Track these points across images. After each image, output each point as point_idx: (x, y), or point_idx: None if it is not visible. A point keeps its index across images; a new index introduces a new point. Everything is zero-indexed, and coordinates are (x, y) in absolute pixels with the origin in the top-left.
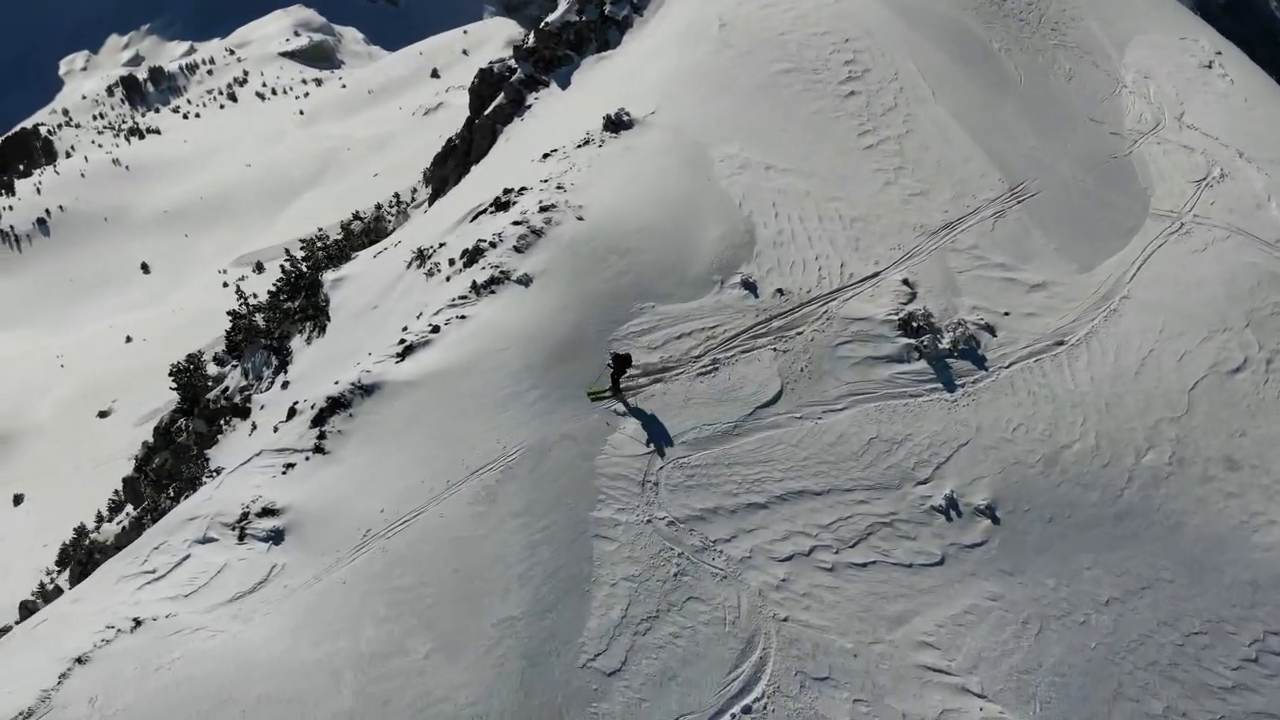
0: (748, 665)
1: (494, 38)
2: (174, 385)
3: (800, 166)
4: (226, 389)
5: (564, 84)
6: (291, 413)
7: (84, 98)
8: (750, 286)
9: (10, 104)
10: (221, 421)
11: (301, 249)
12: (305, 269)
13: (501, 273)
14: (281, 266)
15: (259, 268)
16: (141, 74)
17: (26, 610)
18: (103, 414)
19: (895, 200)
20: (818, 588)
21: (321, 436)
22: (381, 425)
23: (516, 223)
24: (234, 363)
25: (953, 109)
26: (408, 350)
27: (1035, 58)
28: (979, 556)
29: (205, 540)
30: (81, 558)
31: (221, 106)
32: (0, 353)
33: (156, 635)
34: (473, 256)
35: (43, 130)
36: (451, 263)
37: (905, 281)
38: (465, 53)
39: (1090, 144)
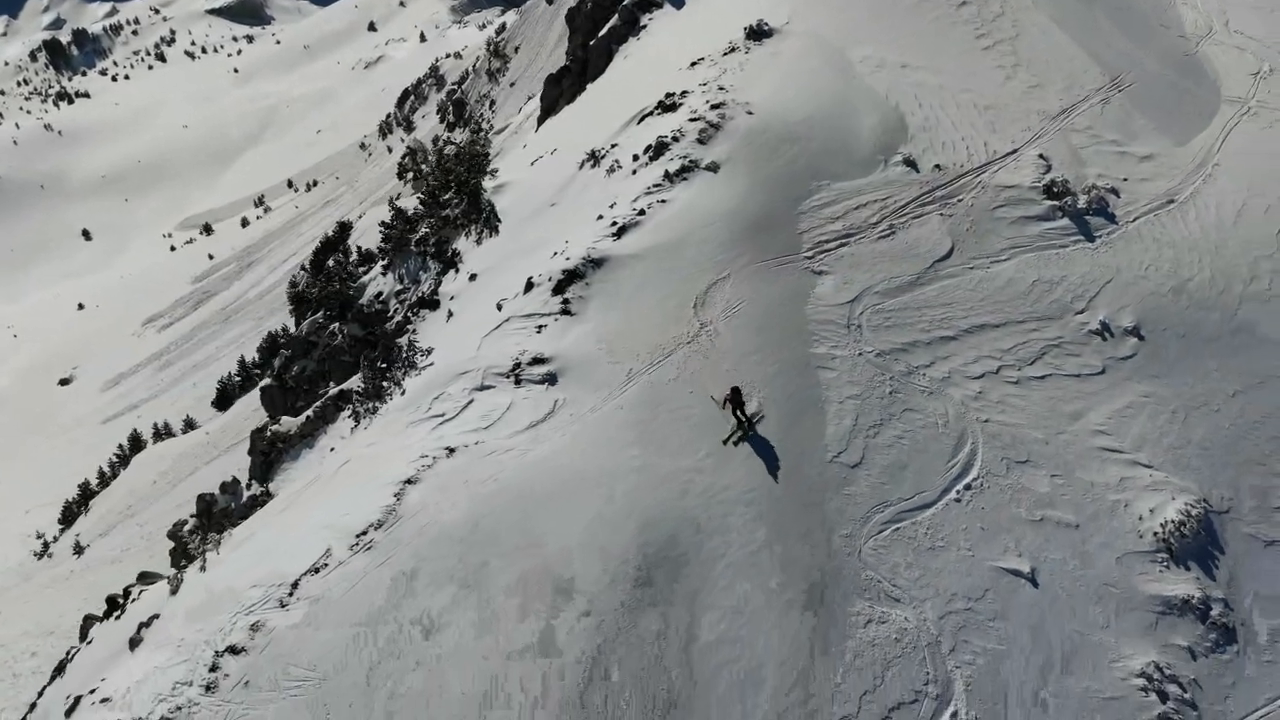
0: (962, 455)
1: None
2: (313, 299)
3: (930, 64)
4: (380, 294)
5: (678, 4)
6: (529, 286)
7: (6, 64)
8: (911, 164)
9: None
10: (397, 319)
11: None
12: (449, 181)
13: (691, 161)
14: (427, 181)
15: (207, 229)
16: (65, 37)
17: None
18: (64, 381)
19: (1017, 91)
20: (1008, 396)
21: (565, 302)
22: (615, 291)
23: (693, 119)
24: (381, 271)
25: (1051, 15)
26: (621, 230)
27: None
28: (1131, 366)
29: (483, 388)
30: (264, 448)
31: (150, 67)
32: None
33: (472, 458)
34: (658, 151)
35: None
36: (635, 158)
37: (1040, 156)
38: (402, 4)
39: (1165, 44)
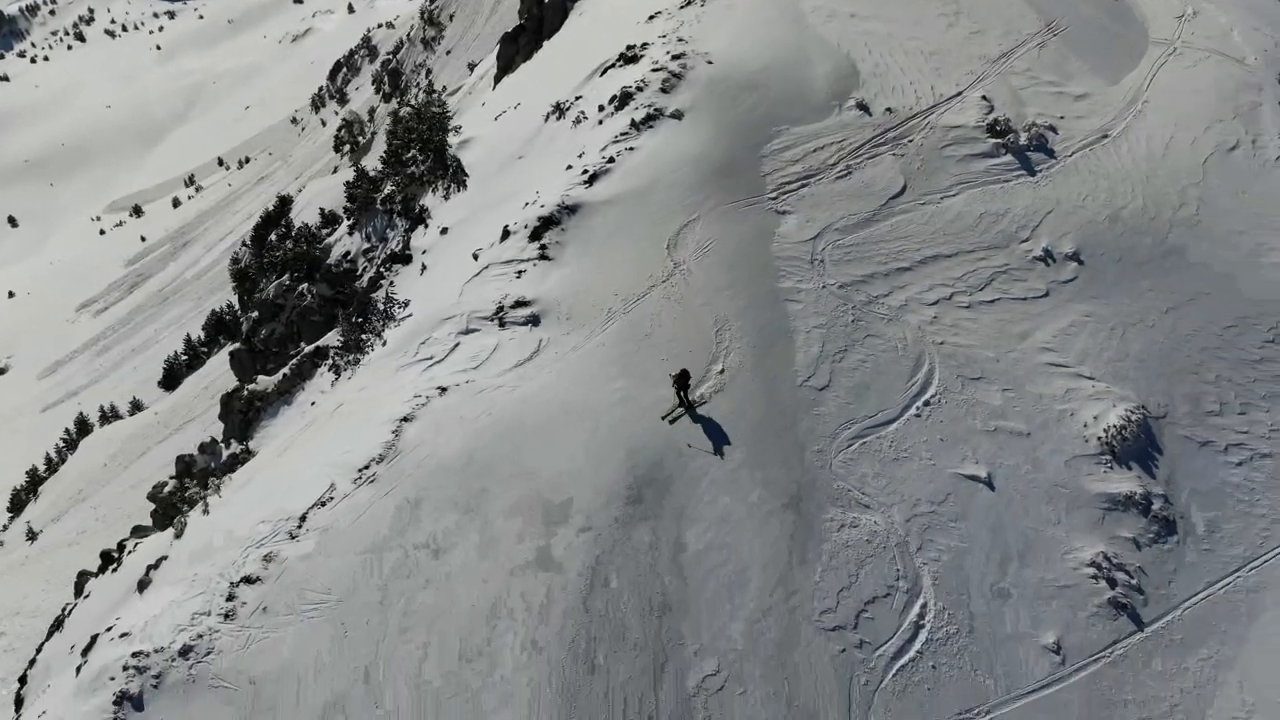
0: (921, 374)
1: None
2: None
3: (878, 14)
4: (348, 253)
5: None
6: (505, 233)
7: None
8: (864, 107)
9: None
10: (365, 278)
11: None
12: (411, 140)
13: (656, 110)
14: (389, 141)
15: (137, 211)
16: None
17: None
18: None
19: (959, 38)
20: (961, 320)
21: (543, 247)
22: (590, 235)
23: (655, 70)
24: (347, 231)
25: None
26: (593, 178)
27: None
28: (1072, 288)
29: (469, 331)
30: (242, 407)
31: (70, 48)
32: None
33: (464, 395)
34: (623, 101)
35: None
36: (601, 109)
37: (983, 97)
38: None
39: None
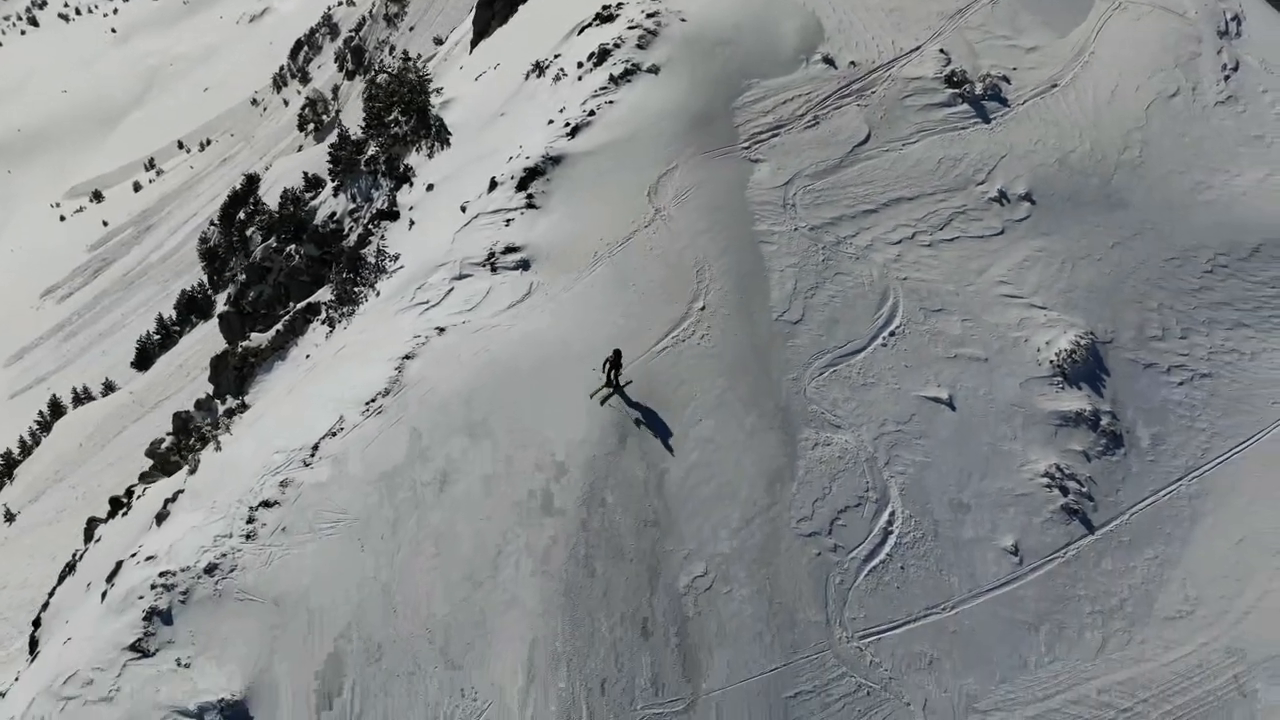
0: (886, 308)
1: None
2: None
3: None
4: (334, 214)
5: None
6: (493, 184)
7: None
8: (829, 61)
9: None
10: (352, 237)
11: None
12: (393, 102)
13: (633, 65)
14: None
15: (97, 196)
16: None
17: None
18: None
19: None
20: (923, 257)
21: (530, 197)
22: (574, 185)
23: (631, 28)
24: (331, 193)
25: None
26: (575, 130)
27: None
28: (1025, 226)
29: (462, 277)
30: (237, 364)
31: (23, 32)
32: None
33: (462, 335)
34: (601, 57)
35: None
36: (580, 65)
37: (941, 50)
38: None
39: None
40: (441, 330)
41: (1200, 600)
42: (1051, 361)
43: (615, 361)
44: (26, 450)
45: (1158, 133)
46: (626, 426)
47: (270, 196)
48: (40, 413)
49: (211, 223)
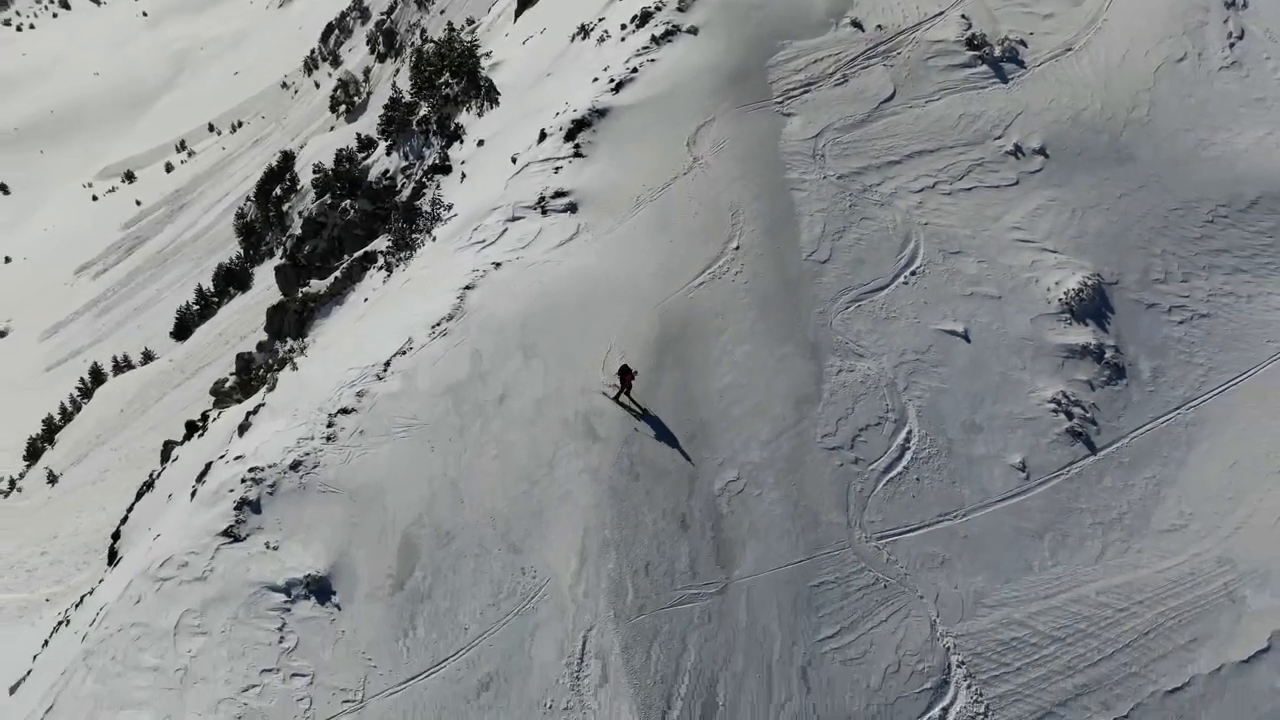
0: (908, 249)
1: None
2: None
3: None
4: (387, 171)
5: None
6: (542, 136)
7: None
8: (857, 25)
9: None
10: (405, 192)
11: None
12: (443, 66)
13: (673, 26)
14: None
15: (129, 177)
16: None
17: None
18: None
19: None
20: (943, 205)
21: (577, 146)
22: (619, 135)
23: None
24: (385, 152)
25: None
26: (619, 86)
27: None
28: (1039, 178)
29: (515, 219)
30: (298, 308)
31: (55, 15)
32: None
33: (517, 269)
34: (643, 19)
35: None
36: (623, 27)
37: (963, 16)
38: None
39: None
40: (498, 265)
41: (1194, 516)
42: (1060, 300)
43: (625, 377)
44: (67, 417)
45: (1165, 94)
46: (665, 350)
47: (306, 174)
48: (81, 379)
49: (248, 198)
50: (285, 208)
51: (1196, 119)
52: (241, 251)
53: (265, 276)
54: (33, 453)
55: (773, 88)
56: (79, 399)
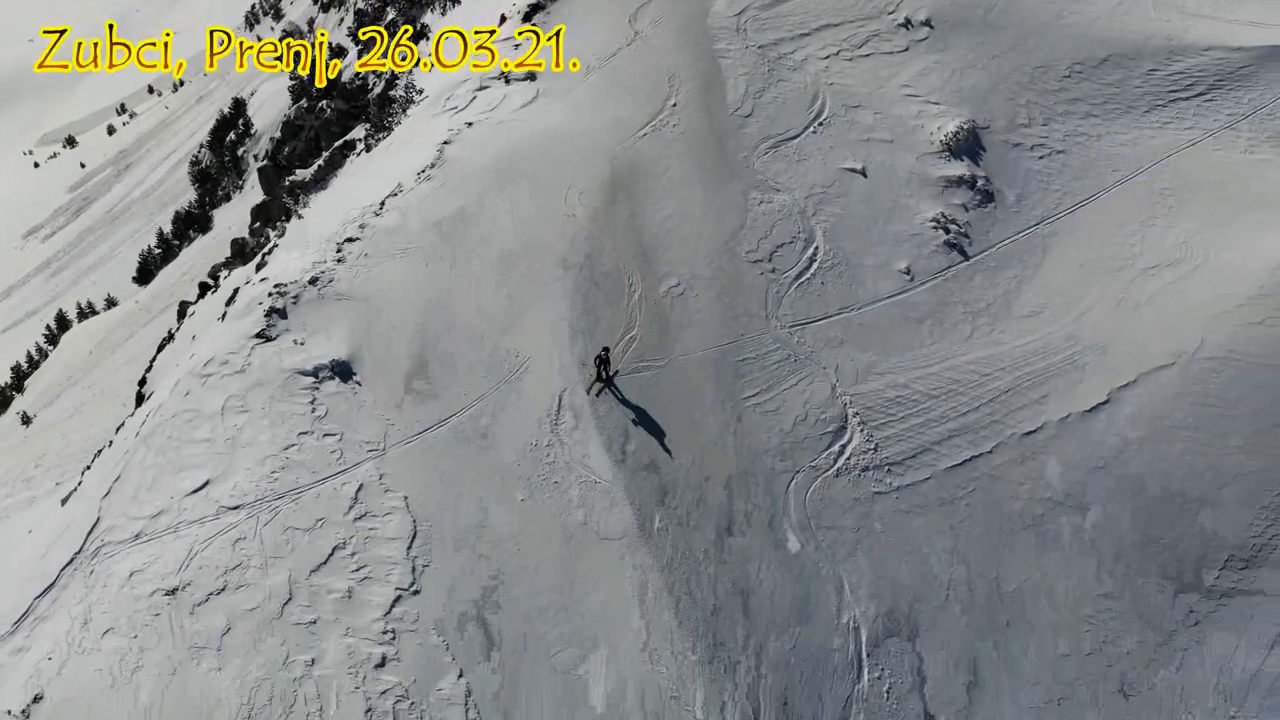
0: (816, 105)
1: None
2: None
3: None
4: (359, 73)
5: None
6: (502, 20)
7: None
8: None
9: None
10: (377, 90)
11: None
12: None
13: None
14: None
15: (70, 142)
16: None
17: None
18: None
19: None
20: (845, 68)
21: (534, 25)
22: (570, 14)
23: None
24: (356, 56)
25: None
26: None
27: None
28: (926, 44)
29: (482, 88)
30: (287, 191)
31: None
32: None
33: (488, 126)
34: None
35: None
36: None
37: None
38: None
39: None
40: (470, 124)
41: (1047, 305)
42: (941, 141)
43: (604, 358)
44: (34, 364)
45: None
46: (618, 189)
47: (259, 118)
48: (48, 326)
49: (202, 146)
50: (240, 152)
51: None
52: (197, 198)
53: (225, 217)
54: (2, 401)
55: None
56: (45, 347)
